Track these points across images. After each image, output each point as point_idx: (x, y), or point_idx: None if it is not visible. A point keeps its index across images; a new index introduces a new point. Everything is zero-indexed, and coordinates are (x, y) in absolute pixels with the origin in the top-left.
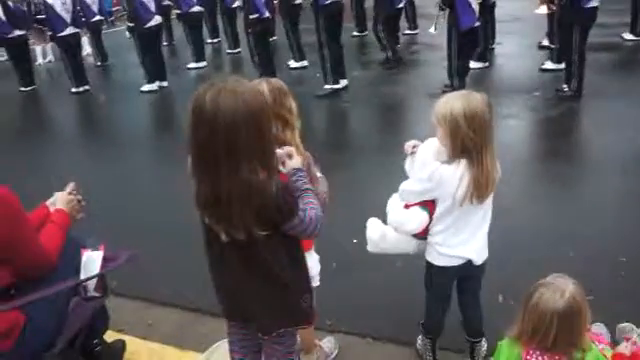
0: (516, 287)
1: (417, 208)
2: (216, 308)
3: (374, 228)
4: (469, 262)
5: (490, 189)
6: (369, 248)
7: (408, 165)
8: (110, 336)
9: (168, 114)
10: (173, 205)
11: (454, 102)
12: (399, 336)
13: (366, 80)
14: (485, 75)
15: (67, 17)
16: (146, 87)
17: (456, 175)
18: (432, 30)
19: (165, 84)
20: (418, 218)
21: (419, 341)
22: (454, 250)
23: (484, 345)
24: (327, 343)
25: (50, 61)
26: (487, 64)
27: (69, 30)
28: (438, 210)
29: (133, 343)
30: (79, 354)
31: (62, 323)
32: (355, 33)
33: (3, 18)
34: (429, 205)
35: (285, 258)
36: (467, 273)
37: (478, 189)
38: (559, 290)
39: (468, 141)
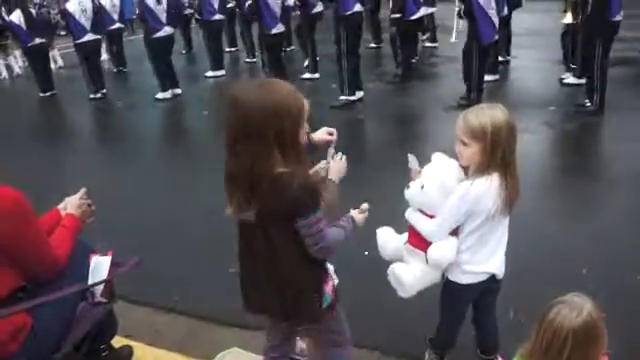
0: (527, 303)
1: (449, 237)
2: (224, 316)
3: (405, 272)
4: (492, 277)
5: (517, 199)
6: (404, 295)
7: (413, 191)
8: (117, 341)
9: (182, 122)
10: (185, 213)
11: (493, 112)
12: (409, 350)
13: (381, 92)
14: (499, 88)
15: (87, 24)
16: (160, 95)
17: (491, 190)
18: (453, 39)
19: (178, 91)
20: (453, 246)
21: (427, 356)
22: (480, 266)
23: None
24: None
25: (60, 67)
26: (498, 77)
27: (88, 37)
28: (467, 228)
29: (140, 349)
30: (85, 359)
31: (68, 327)
32: (372, 45)
33: (24, 27)
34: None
35: (296, 253)
36: (486, 289)
37: (510, 202)
38: (577, 308)
39: (507, 152)
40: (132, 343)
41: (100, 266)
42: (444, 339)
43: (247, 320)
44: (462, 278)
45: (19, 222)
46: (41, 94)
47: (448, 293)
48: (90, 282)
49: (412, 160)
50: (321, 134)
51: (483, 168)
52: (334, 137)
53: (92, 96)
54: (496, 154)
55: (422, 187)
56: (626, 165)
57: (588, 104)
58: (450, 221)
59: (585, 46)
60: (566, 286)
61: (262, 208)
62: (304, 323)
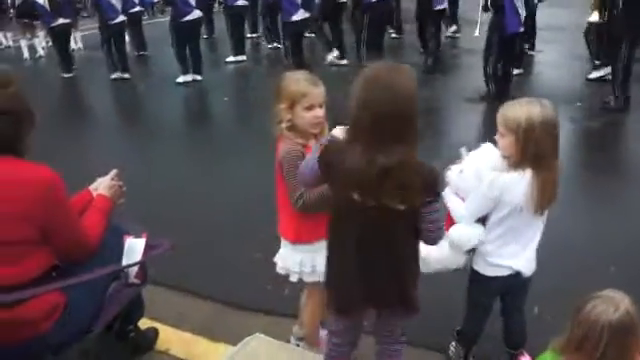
0: (552, 301)
1: (474, 224)
2: (247, 301)
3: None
4: (517, 274)
5: (553, 201)
6: (423, 269)
7: (452, 174)
8: (142, 323)
9: (203, 107)
10: (208, 198)
11: (530, 108)
12: (430, 341)
13: None
14: (524, 82)
15: (118, 6)
16: (181, 79)
17: (521, 184)
18: (476, 33)
19: (199, 78)
20: (477, 233)
21: (452, 348)
22: (504, 260)
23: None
24: None
25: (79, 49)
26: (522, 71)
27: (120, 18)
28: (493, 218)
29: (165, 332)
30: (116, 339)
31: (100, 307)
32: (393, 35)
33: (47, 7)
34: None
35: (414, 241)
36: (514, 284)
37: (542, 200)
38: (614, 303)
39: (540, 149)
40: (157, 325)
41: (134, 248)
42: (470, 332)
43: (271, 306)
44: (486, 269)
45: (55, 203)
46: (63, 75)
47: (473, 284)
48: (124, 263)
49: (464, 153)
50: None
51: (517, 161)
52: None
53: (114, 77)
54: (527, 149)
55: (461, 171)
56: None
57: (613, 101)
58: (476, 205)
59: (612, 44)
60: (593, 284)
61: (398, 196)
62: (408, 311)
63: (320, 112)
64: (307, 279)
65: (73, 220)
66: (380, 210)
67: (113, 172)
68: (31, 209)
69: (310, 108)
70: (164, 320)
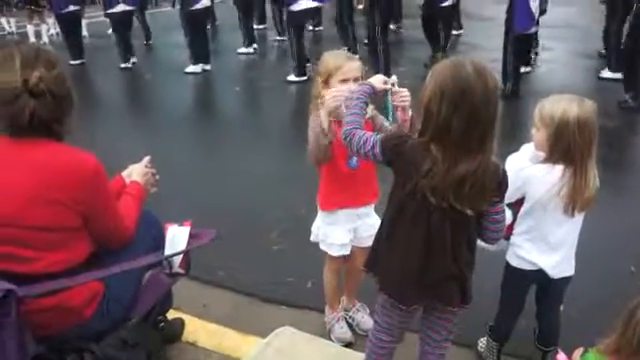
0: (576, 298)
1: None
2: (271, 293)
3: None
4: (542, 271)
5: (586, 203)
6: None
7: None
8: (168, 314)
9: (214, 97)
10: (228, 188)
11: (567, 104)
12: (460, 337)
13: (413, 77)
14: (533, 80)
15: None
16: (190, 68)
17: (546, 178)
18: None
19: (208, 67)
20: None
21: (482, 344)
22: (529, 255)
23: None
24: (339, 329)
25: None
26: (530, 69)
27: (120, 7)
28: (522, 209)
29: (191, 323)
30: (153, 328)
31: (137, 296)
32: (391, 27)
33: None
34: (515, 206)
35: (475, 238)
36: (543, 283)
37: (573, 200)
38: None
39: (573, 147)
40: (183, 316)
41: (178, 237)
42: (501, 327)
43: (294, 299)
44: (513, 260)
45: (99, 190)
46: (71, 62)
47: (505, 275)
48: (167, 252)
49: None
50: (378, 83)
51: (548, 156)
52: (389, 86)
53: (123, 65)
54: (560, 145)
55: None
56: None
57: (629, 100)
58: None
59: (629, 41)
60: (616, 284)
61: (472, 201)
62: (464, 300)
63: (354, 87)
64: (321, 246)
65: (113, 207)
66: (451, 210)
67: (146, 159)
68: (76, 195)
69: (344, 81)
70: (189, 311)
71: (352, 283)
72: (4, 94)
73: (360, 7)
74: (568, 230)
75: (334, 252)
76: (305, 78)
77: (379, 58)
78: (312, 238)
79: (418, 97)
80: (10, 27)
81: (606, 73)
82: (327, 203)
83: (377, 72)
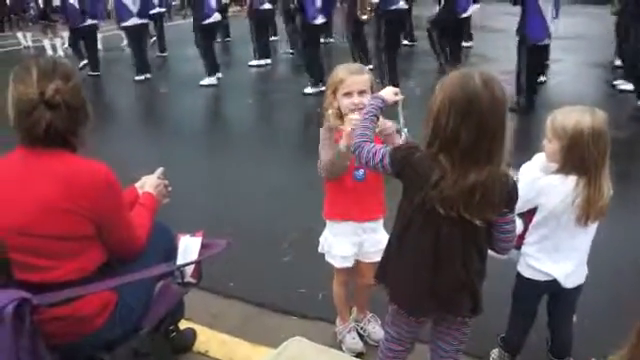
0: (589, 309)
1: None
2: (280, 303)
3: None
4: (556, 283)
5: (599, 212)
6: None
7: None
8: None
9: (226, 109)
10: (237, 199)
11: (580, 115)
12: (472, 348)
13: (425, 89)
14: (544, 91)
15: (133, 8)
16: (206, 81)
17: (559, 189)
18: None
19: (219, 75)
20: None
21: (494, 355)
22: (542, 265)
23: None
24: (350, 340)
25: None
26: (544, 79)
27: (133, 21)
28: (535, 219)
29: (202, 333)
30: (164, 338)
31: (147, 306)
32: (405, 42)
33: (77, 7)
34: (526, 216)
35: (485, 248)
36: (556, 293)
37: (587, 211)
38: None
39: (588, 158)
40: (194, 326)
41: (190, 247)
42: (513, 338)
43: (305, 310)
44: (525, 270)
45: (112, 200)
46: (90, 73)
47: (516, 285)
48: (180, 262)
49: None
50: (389, 95)
51: (561, 167)
52: (399, 97)
53: (137, 78)
54: (573, 156)
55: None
56: None
57: None
58: None
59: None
60: (628, 295)
61: (482, 211)
62: (475, 311)
63: (358, 99)
64: (326, 257)
65: (126, 218)
66: (460, 220)
67: (159, 170)
68: (90, 205)
69: (348, 94)
70: (199, 321)
71: (361, 298)
72: (21, 105)
73: (364, 18)
74: (581, 240)
75: (337, 263)
76: (322, 89)
77: (383, 70)
78: (319, 249)
79: (427, 108)
80: (27, 41)
81: (623, 85)
82: (331, 212)
83: (382, 81)
